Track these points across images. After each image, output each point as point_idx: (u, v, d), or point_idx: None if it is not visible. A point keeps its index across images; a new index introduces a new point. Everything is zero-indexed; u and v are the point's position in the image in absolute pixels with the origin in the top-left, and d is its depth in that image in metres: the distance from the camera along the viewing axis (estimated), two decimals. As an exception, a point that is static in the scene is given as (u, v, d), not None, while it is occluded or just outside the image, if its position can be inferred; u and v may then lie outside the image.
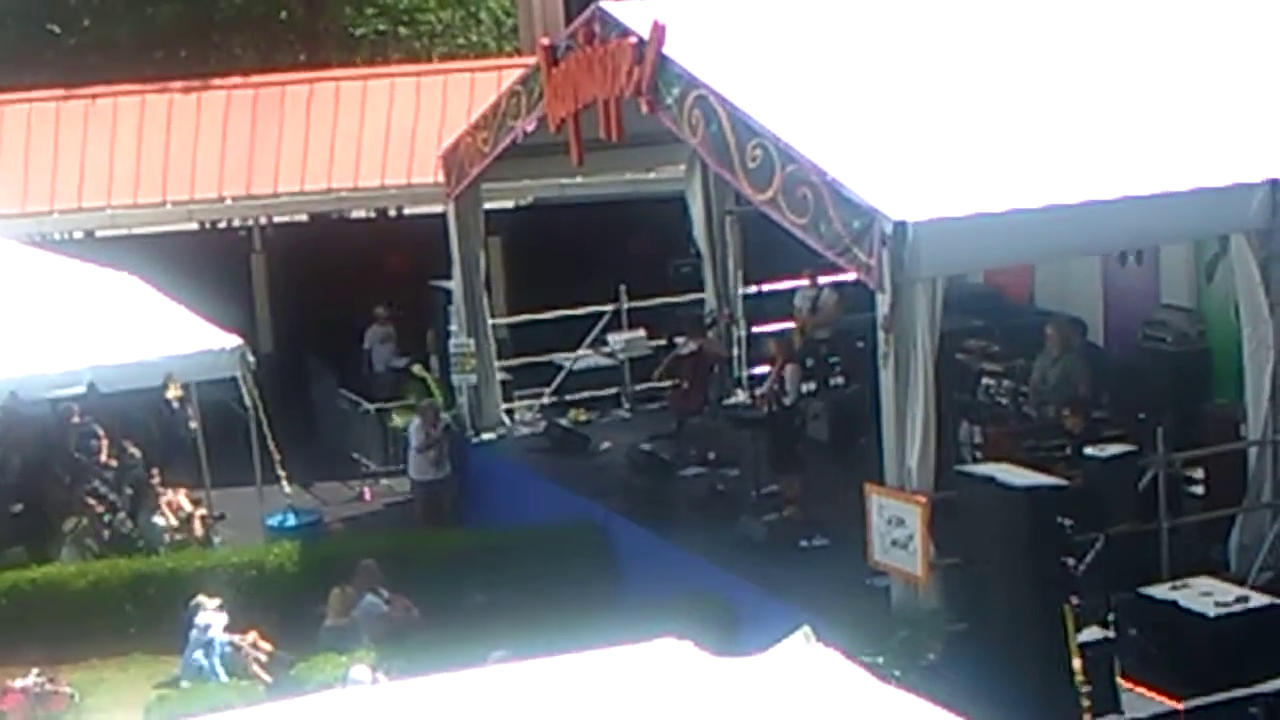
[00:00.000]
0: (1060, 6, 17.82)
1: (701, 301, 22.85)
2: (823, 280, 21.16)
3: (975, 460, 16.42)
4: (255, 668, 16.92)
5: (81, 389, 19.43)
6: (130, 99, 26.17)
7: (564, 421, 21.99)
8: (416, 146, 25.59)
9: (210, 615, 17.09)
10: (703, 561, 16.82)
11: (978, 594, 13.43)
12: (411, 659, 15.66)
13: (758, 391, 21.21)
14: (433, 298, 23.80)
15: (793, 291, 22.08)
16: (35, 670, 16.78)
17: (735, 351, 22.63)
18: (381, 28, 32.04)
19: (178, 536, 19.77)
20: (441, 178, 22.13)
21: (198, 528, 19.95)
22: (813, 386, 20.81)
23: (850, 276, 15.62)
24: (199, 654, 16.93)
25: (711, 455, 19.70)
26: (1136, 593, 13.65)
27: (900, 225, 13.87)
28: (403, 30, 32.32)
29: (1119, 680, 12.84)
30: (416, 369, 23.91)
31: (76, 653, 17.59)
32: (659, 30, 16.70)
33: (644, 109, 17.02)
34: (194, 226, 26.89)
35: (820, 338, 21.22)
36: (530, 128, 19.80)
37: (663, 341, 22.51)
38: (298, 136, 26.08)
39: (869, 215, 14.13)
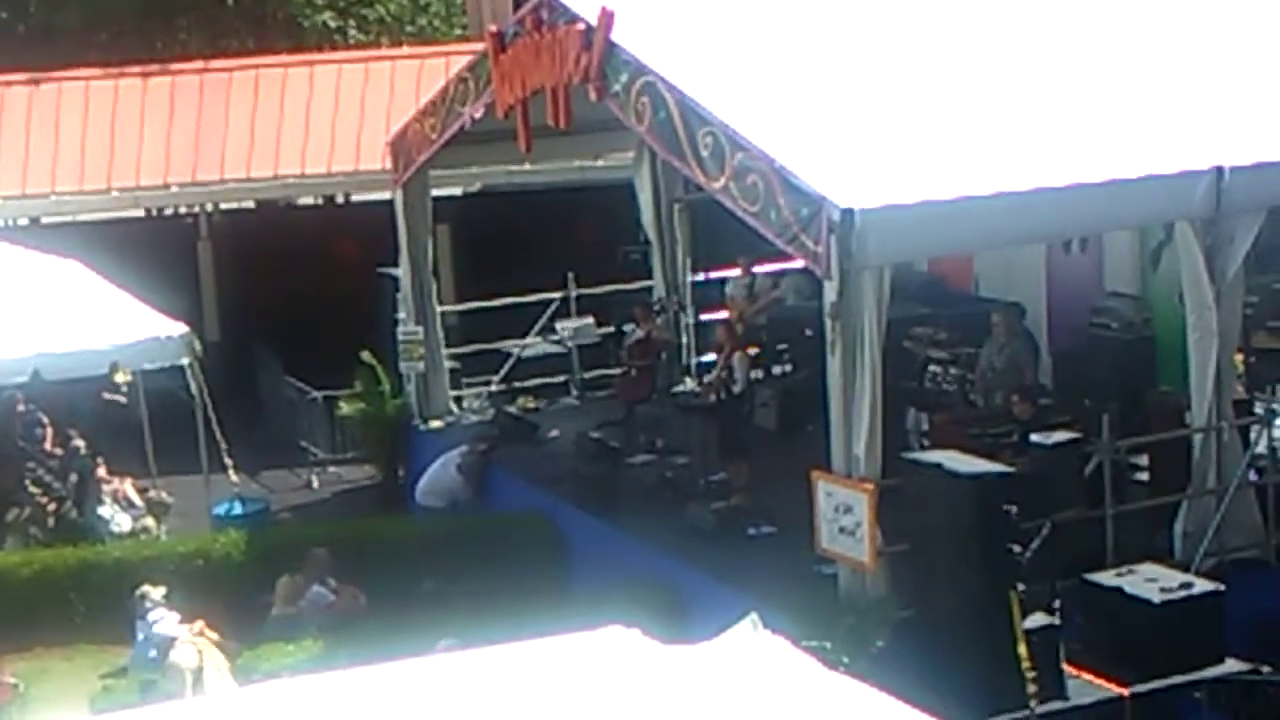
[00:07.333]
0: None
1: (650, 289, 22.86)
2: (756, 269, 21.33)
3: (922, 447, 16.48)
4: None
5: (25, 377, 19.29)
6: (75, 84, 25.95)
7: (512, 409, 21.93)
8: (364, 133, 25.47)
9: (163, 613, 16.94)
10: (651, 549, 16.82)
11: (925, 581, 13.46)
12: (359, 647, 15.62)
13: (705, 379, 21.28)
14: (380, 285, 23.72)
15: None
16: (-21, 661, 16.67)
17: (683, 339, 22.66)
18: (330, 22, 31.87)
19: (128, 528, 19.64)
20: (389, 164, 22.05)
21: (151, 523, 19.82)
22: (760, 374, 20.86)
23: (794, 265, 15.66)
24: (155, 652, 16.77)
25: (660, 443, 19.68)
26: (1082, 579, 13.70)
27: (847, 212, 13.88)
28: (351, 26, 32.21)
29: (1064, 666, 12.90)
30: (365, 356, 23.82)
31: (21, 642, 17.42)
32: (607, 16, 16.67)
33: (592, 96, 16.99)
34: (140, 213, 26.71)
35: (760, 324, 21.32)
36: (478, 114, 19.74)
37: (611, 329, 22.50)
38: (244, 123, 25.93)
39: (816, 202, 14.14)
